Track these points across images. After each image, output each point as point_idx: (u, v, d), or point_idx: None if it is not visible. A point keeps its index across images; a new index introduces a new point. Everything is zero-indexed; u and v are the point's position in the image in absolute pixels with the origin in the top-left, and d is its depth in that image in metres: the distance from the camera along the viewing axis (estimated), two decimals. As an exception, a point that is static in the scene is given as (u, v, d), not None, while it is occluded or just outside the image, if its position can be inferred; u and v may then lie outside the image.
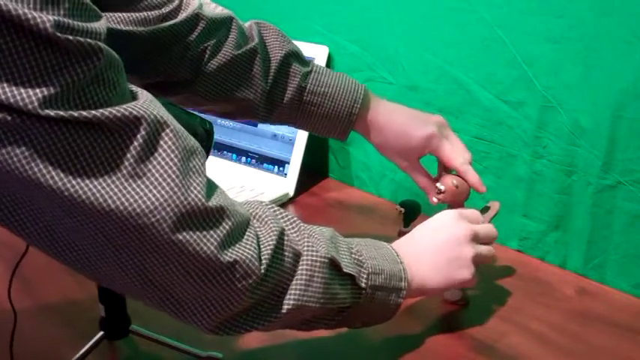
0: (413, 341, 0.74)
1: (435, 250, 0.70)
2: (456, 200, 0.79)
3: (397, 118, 0.83)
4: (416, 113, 0.83)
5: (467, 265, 0.70)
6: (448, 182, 0.78)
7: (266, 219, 0.59)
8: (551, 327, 0.76)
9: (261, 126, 1.14)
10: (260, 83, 0.80)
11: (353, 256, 0.64)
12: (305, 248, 0.60)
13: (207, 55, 0.78)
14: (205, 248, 0.52)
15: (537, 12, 0.85)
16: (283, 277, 0.58)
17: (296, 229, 0.61)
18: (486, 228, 0.75)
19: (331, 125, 0.83)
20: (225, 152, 1.17)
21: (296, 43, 1.13)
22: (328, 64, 1.10)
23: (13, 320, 0.76)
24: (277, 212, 0.61)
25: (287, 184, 1.09)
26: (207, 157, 0.69)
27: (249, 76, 0.79)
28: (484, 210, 0.81)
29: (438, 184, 0.78)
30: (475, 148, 0.95)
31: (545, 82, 0.86)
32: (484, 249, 0.73)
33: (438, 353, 0.73)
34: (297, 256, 0.59)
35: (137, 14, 0.74)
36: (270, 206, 0.61)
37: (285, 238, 0.59)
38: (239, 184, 1.09)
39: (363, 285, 0.63)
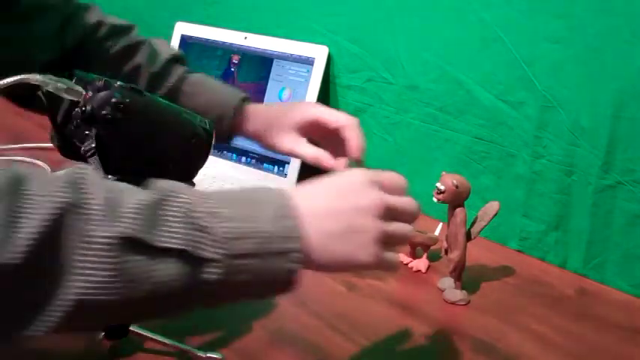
0: (413, 341, 0.74)
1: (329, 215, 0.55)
2: (456, 200, 0.79)
3: (274, 105, 0.95)
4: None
5: (365, 245, 0.54)
6: (448, 182, 0.78)
7: None
8: (551, 327, 0.76)
9: (261, 126, 1.14)
10: (145, 70, 0.89)
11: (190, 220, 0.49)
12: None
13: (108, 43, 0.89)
14: None
15: (537, 12, 0.85)
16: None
17: None
18: (403, 201, 0.58)
19: (211, 109, 0.87)
20: (225, 152, 1.17)
21: (296, 43, 1.13)
22: (328, 64, 1.10)
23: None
24: None
25: (287, 184, 1.09)
26: (207, 156, 0.69)
27: (137, 61, 0.89)
28: (475, 219, 0.81)
29: (438, 184, 0.78)
30: (475, 148, 0.95)
31: (545, 82, 0.86)
32: (397, 227, 0.57)
33: (438, 353, 0.73)
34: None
35: None
36: None
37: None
38: (239, 184, 1.09)
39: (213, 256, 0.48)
